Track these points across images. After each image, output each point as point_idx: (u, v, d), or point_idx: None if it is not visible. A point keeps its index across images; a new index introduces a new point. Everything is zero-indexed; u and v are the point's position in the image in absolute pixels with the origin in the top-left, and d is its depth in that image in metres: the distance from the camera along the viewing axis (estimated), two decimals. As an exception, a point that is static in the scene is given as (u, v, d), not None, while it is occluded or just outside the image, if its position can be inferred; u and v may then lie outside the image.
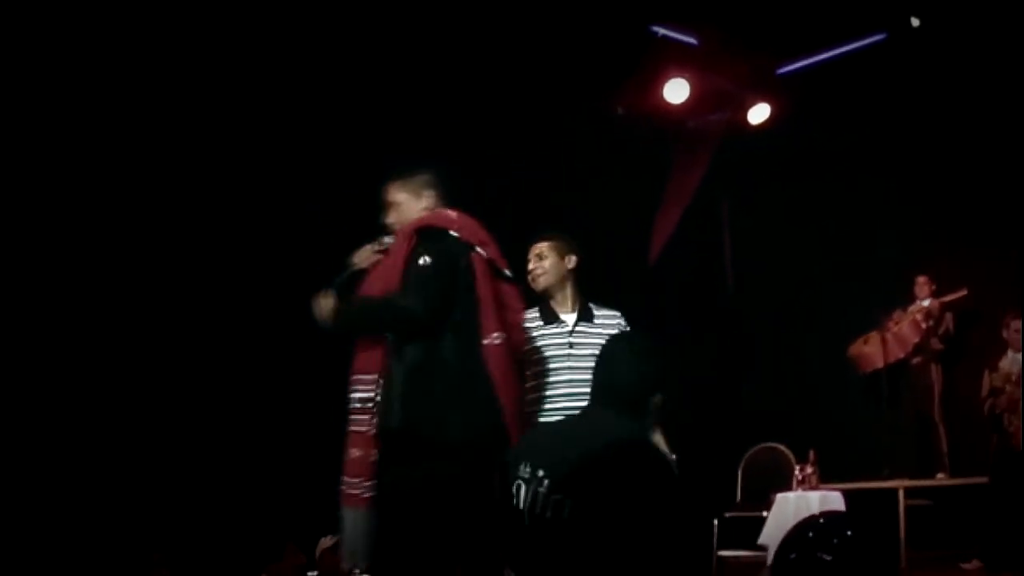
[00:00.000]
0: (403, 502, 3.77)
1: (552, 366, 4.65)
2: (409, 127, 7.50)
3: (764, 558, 6.40)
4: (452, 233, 3.98)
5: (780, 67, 8.25)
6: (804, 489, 6.65)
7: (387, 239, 4.14)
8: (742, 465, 7.54)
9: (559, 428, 3.65)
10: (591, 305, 4.83)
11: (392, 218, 4.16)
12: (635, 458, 3.07)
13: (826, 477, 6.80)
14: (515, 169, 8.01)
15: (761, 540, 6.50)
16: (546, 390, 4.68)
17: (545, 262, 4.78)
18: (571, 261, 4.83)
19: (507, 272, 4.08)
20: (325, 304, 4.02)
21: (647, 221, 8.86)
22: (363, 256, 4.15)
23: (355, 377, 4.03)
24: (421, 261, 3.89)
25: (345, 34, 7.18)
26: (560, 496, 2.98)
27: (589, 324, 4.68)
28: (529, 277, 4.75)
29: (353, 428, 3.98)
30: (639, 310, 5.47)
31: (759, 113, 8.33)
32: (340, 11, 7.04)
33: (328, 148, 7.41)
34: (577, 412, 3.72)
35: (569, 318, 4.74)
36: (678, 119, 8.67)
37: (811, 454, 6.74)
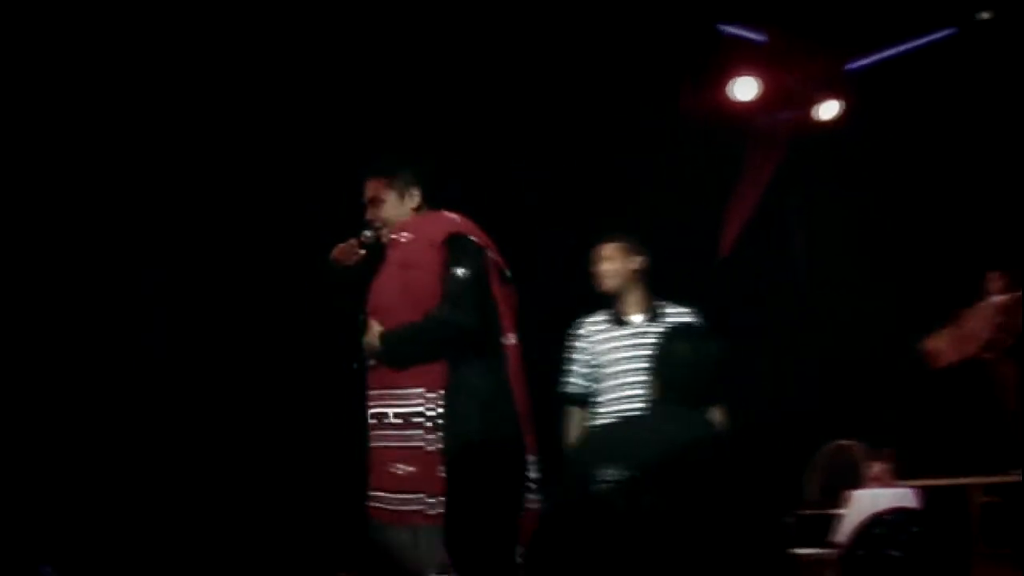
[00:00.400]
0: (481, 508, 3.74)
1: (620, 368, 4.69)
2: (472, 121, 7.62)
3: (837, 556, 6.41)
4: (472, 239, 3.97)
5: (849, 63, 8.24)
6: (878, 486, 6.65)
7: (368, 233, 4.09)
8: (815, 462, 7.53)
9: (631, 428, 3.61)
10: (662, 304, 4.87)
11: (373, 215, 4.11)
12: (724, 454, 3.13)
13: (900, 474, 6.79)
14: (585, 168, 8.10)
15: (835, 538, 6.51)
16: (614, 392, 4.72)
17: (611, 264, 4.83)
18: (637, 262, 4.86)
19: (508, 272, 4.09)
20: (372, 331, 3.93)
21: (717, 218, 8.87)
22: (344, 252, 4.10)
23: (386, 391, 3.96)
24: (460, 273, 3.86)
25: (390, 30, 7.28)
26: (654, 494, 2.98)
27: (657, 324, 4.71)
28: (595, 279, 4.79)
29: (393, 445, 3.90)
30: (710, 305, 5.52)
31: (828, 110, 8.31)
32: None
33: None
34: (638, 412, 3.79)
35: (637, 319, 4.78)
36: (747, 117, 8.68)
37: (884, 451, 6.75)
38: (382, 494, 3.92)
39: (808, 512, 7.06)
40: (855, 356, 8.54)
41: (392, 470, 3.88)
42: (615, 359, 4.84)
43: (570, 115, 7.83)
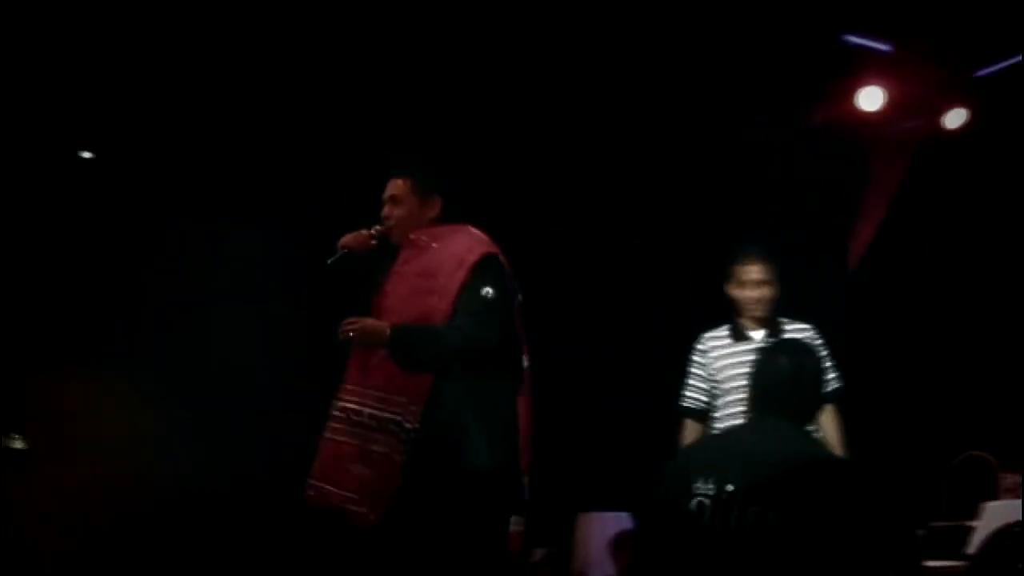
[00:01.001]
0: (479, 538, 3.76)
1: (737, 384, 4.69)
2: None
3: (972, 568, 6.36)
4: (501, 260, 3.96)
5: (977, 70, 8.15)
6: (1011, 498, 6.57)
7: (379, 228, 4.06)
8: (948, 474, 7.46)
9: (729, 440, 3.65)
10: (783, 320, 4.88)
11: (393, 213, 4.08)
12: (830, 467, 3.13)
13: (1035, 486, 6.69)
14: (713, 182, 8.15)
15: (969, 550, 6.45)
16: (731, 408, 4.74)
17: (768, 289, 4.84)
18: (776, 287, 4.89)
19: (521, 297, 4.08)
20: (371, 328, 3.84)
21: (845, 230, 8.83)
22: (357, 240, 4.03)
23: (368, 391, 3.91)
24: (486, 292, 3.82)
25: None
26: (759, 508, 3.01)
27: (777, 339, 4.74)
28: (752, 304, 4.79)
29: (359, 444, 3.85)
30: (839, 317, 5.54)
31: (956, 118, 8.22)
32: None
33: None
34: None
35: (757, 335, 4.80)
36: (874, 127, 8.63)
37: (1019, 463, 6.66)
38: (327, 487, 3.88)
39: (941, 524, 7.01)
40: (989, 367, 8.45)
41: (348, 467, 3.83)
42: (733, 375, 4.86)
43: (700, 129, 7.90)
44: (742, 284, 4.97)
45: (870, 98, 8.22)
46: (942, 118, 8.28)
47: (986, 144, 8.08)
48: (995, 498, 6.64)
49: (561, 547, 8.03)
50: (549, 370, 9.67)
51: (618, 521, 8.17)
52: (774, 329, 4.94)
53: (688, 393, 5.23)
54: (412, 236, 4.04)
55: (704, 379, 5.14)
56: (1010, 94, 7.88)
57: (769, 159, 8.31)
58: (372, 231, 4.05)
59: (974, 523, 6.59)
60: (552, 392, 9.69)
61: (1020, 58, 7.79)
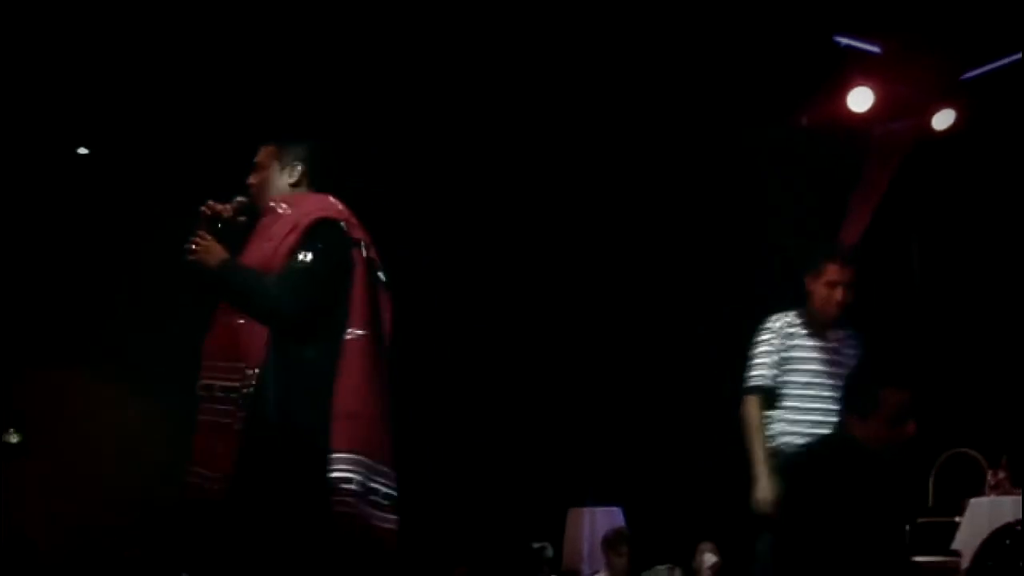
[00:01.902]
0: (282, 507, 3.59)
1: (809, 374, 4.91)
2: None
3: (957, 563, 6.43)
4: (342, 225, 3.81)
5: (966, 72, 8.21)
6: (997, 494, 6.65)
7: (241, 199, 3.98)
8: (934, 470, 7.54)
9: (849, 455, 3.91)
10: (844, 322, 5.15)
11: (254, 180, 4.02)
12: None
13: (1018, 482, 6.77)
14: (703, 182, 8.22)
15: (954, 546, 6.53)
16: (804, 400, 4.94)
17: (850, 294, 5.08)
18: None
19: (381, 275, 3.90)
20: (214, 250, 3.76)
21: (834, 230, 8.90)
22: (215, 208, 3.91)
23: (218, 363, 3.79)
24: (301, 256, 3.70)
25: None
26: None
27: (846, 337, 5.00)
28: (835, 304, 4.99)
29: (213, 419, 3.74)
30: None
31: (944, 119, 8.27)
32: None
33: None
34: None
35: (831, 334, 5.05)
36: (863, 128, 8.70)
37: (1003, 459, 6.74)
38: (204, 472, 3.77)
39: (927, 520, 7.09)
40: (977, 364, 8.52)
41: (213, 447, 3.74)
42: (804, 366, 5.10)
43: (691, 129, 7.98)
44: (833, 284, 5.20)
45: (859, 99, 8.27)
46: (930, 119, 8.33)
47: (974, 145, 8.15)
48: (981, 495, 6.72)
49: (552, 542, 8.09)
50: (538, 364, 9.95)
51: (609, 516, 8.25)
52: (842, 325, 5.21)
53: (759, 372, 5.38)
54: (271, 202, 3.96)
55: (775, 359, 5.31)
56: (998, 95, 7.96)
57: (759, 159, 8.39)
58: (232, 204, 3.94)
59: (960, 519, 6.70)
60: (541, 387, 9.96)
61: (1008, 60, 7.87)
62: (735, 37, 7.64)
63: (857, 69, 8.23)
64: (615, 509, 8.36)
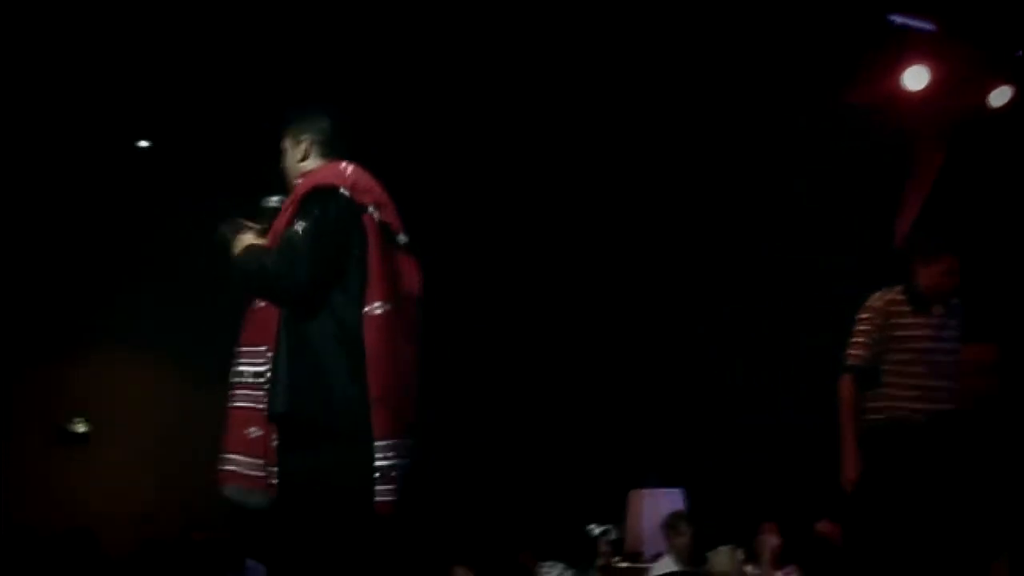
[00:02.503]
0: (301, 491, 3.55)
1: (916, 351, 4.94)
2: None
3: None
4: (343, 192, 3.65)
5: (1022, 48, 8.17)
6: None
7: (275, 199, 3.91)
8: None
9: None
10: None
11: (282, 166, 3.99)
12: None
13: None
14: (756, 163, 8.23)
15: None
16: (912, 377, 4.96)
17: (957, 278, 5.14)
18: None
19: (401, 237, 3.75)
20: (242, 239, 3.73)
21: (891, 210, 8.89)
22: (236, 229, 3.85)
23: (244, 348, 3.74)
24: (297, 227, 3.57)
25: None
26: None
27: (951, 315, 5.04)
28: (947, 291, 5.05)
29: (247, 405, 3.69)
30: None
31: (1000, 96, 8.23)
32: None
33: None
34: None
35: (937, 307, 5.10)
36: (918, 106, 8.67)
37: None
38: (237, 457, 3.71)
39: None
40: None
41: (245, 433, 3.68)
42: (914, 345, 5.11)
43: (744, 110, 7.99)
44: (949, 273, 5.28)
45: (915, 77, 8.24)
46: (987, 96, 8.28)
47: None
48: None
49: (614, 524, 8.11)
50: (595, 350, 9.99)
51: (670, 497, 8.27)
52: (952, 305, 5.27)
53: (857, 351, 5.41)
54: (293, 183, 3.89)
55: (876, 338, 5.34)
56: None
57: (814, 139, 8.40)
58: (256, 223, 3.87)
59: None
60: (603, 371, 9.99)
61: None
62: (789, 17, 7.63)
63: (911, 47, 8.21)
64: (676, 491, 8.37)
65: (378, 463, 3.49)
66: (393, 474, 3.52)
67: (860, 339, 5.41)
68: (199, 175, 9.55)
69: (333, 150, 3.90)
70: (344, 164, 3.78)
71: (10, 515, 8.84)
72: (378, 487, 3.49)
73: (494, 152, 9.05)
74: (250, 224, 3.84)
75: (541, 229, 10.03)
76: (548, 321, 10.27)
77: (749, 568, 7.16)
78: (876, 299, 5.48)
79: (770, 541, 7.27)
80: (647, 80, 8.22)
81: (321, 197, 3.62)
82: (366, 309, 3.54)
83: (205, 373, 9.90)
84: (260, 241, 3.75)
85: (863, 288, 6.03)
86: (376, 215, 3.65)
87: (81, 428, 9.97)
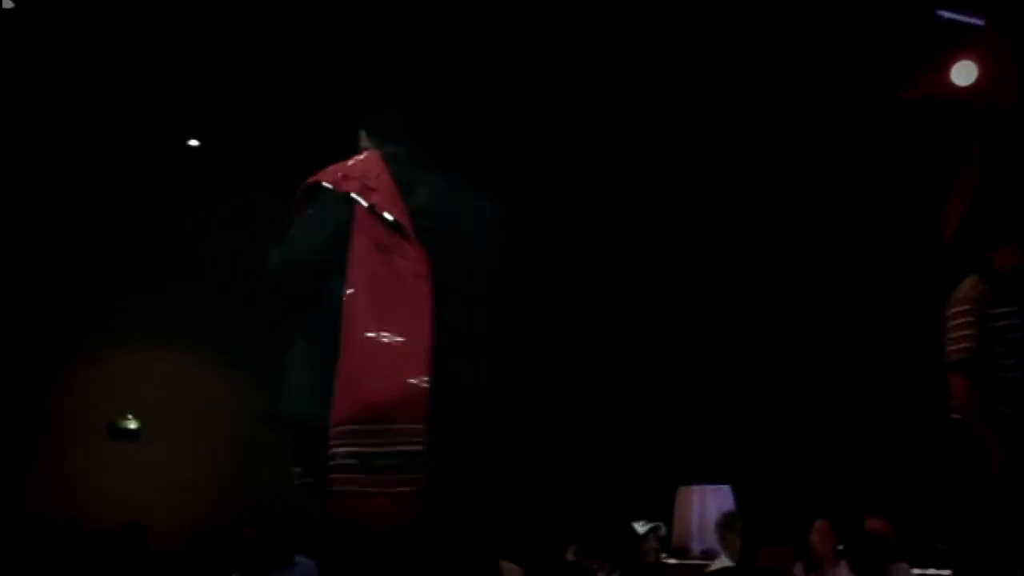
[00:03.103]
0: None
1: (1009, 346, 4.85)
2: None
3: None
4: (326, 185, 3.61)
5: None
6: None
7: None
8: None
9: None
10: None
11: None
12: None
13: None
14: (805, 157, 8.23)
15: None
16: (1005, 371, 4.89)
17: None
18: None
19: (389, 216, 3.56)
20: None
21: (940, 204, 8.87)
22: None
23: None
24: (294, 228, 3.60)
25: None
26: None
27: None
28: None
29: None
30: (933, 289, 5.62)
31: (1046, 91, 8.19)
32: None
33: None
34: None
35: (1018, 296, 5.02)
36: (966, 101, 8.63)
37: None
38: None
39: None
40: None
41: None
42: (1012, 335, 4.98)
43: (794, 105, 7.98)
44: None
45: (964, 72, 8.21)
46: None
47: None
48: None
49: (663, 520, 8.12)
50: (642, 351, 10.00)
51: (718, 494, 8.27)
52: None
53: (966, 344, 5.07)
54: None
55: (980, 329, 5.04)
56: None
57: (863, 133, 8.38)
58: None
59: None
60: (651, 370, 10.01)
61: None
62: (838, 13, 7.62)
63: (960, 43, 8.18)
64: (724, 487, 8.37)
65: (333, 450, 3.32)
66: (344, 462, 3.31)
67: (961, 331, 5.06)
68: (241, 173, 9.65)
69: (381, 136, 3.86)
70: (354, 157, 3.75)
71: (62, 510, 8.94)
72: (335, 476, 3.31)
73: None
74: None
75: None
76: (595, 321, 10.32)
77: (798, 568, 7.13)
78: (966, 289, 5.20)
79: (822, 541, 7.22)
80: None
81: (311, 195, 3.62)
82: (344, 294, 3.45)
83: (257, 372, 10.04)
84: None
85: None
86: (363, 200, 3.55)
87: (132, 424, 10.09)
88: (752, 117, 8.45)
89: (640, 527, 7.76)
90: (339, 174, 3.61)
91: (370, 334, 3.39)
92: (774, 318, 9.33)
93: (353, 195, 3.53)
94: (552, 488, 9.84)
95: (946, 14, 8.03)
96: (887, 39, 7.85)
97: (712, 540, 7.75)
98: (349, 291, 3.42)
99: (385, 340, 3.39)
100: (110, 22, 7.52)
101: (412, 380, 3.36)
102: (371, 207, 3.52)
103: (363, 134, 3.90)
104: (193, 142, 9.34)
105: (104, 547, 8.14)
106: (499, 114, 8.39)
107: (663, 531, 7.95)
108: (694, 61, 7.95)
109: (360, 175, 3.61)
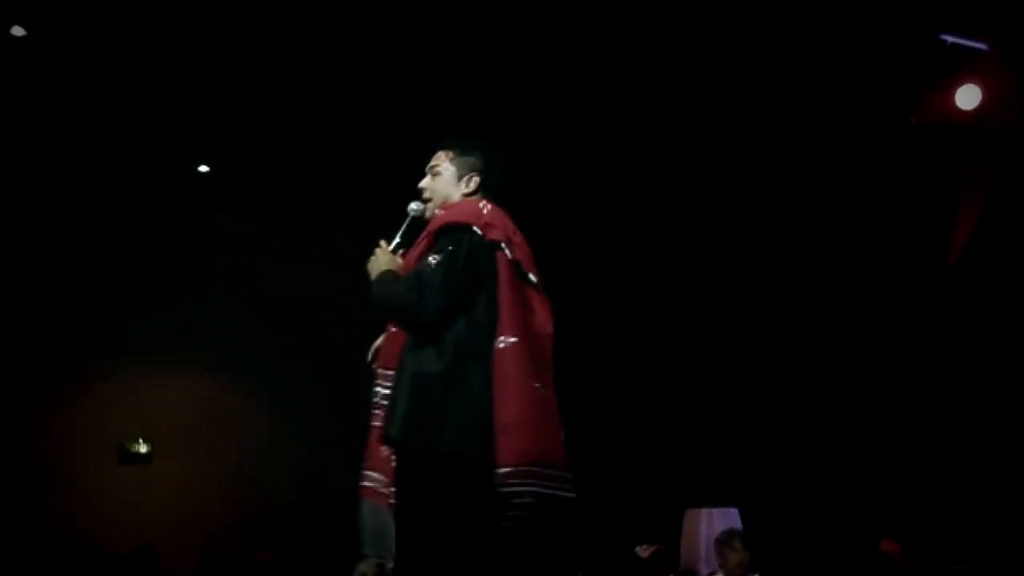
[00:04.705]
0: (411, 513, 3.61)
1: None
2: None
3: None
4: (476, 230, 3.72)
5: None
6: None
7: (415, 206, 3.99)
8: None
9: None
10: None
11: (427, 184, 4.01)
12: None
13: None
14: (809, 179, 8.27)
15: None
16: None
17: None
18: None
19: (532, 277, 3.81)
20: (379, 261, 3.83)
21: (945, 226, 8.90)
22: (386, 259, 3.90)
23: (379, 370, 3.88)
24: (430, 259, 3.66)
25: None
26: None
27: None
28: None
29: (380, 424, 3.79)
30: (937, 310, 5.66)
31: (1052, 114, 8.22)
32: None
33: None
34: None
35: None
36: (970, 124, 8.67)
37: None
38: (373, 474, 3.86)
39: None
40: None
41: (381, 451, 3.81)
42: None
43: (799, 127, 8.04)
44: None
45: (968, 96, 8.26)
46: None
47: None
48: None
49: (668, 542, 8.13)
50: (654, 370, 10.02)
51: (726, 516, 8.29)
52: None
53: None
54: (438, 209, 3.96)
55: None
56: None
57: (868, 157, 8.44)
58: (391, 245, 3.94)
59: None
60: (658, 390, 10.03)
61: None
62: (842, 37, 7.68)
63: (964, 66, 8.23)
64: (732, 510, 8.39)
65: (503, 489, 3.52)
66: (524, 501, 3.53)
67: None
68: (256, 193, 9.70)
69: (488, 188, 4.00)
70: (483, 202, 3.88)
71: (74, 533, 8.98)
72: (505, 513, 3.51)
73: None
74: (386, 245, 3.92)
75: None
76: (608, 340, 10.36)
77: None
78: None
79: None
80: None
81: (455, 234, 3.72)
82: (498, 341, 3.63)
83: (268, 394, 10.09)
84: (395, 263, 3.86)
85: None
86: (508, 252, 3.75)
87: (143, 448, 10.13)
88: (752, 118, 8.49)
89: (643, 551, 7.77)
90: (482, 221, 3.75)
91: (536, 384, 3.65)
92: (774, 318, 9.38)
93: (502, 245, 3.74)
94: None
95: (951, 39, 8.08)
96: (890, 60, 7.90)
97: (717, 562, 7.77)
98: (512, 339, 3.63)
99: (542, 392, 3.68)
100: (123, 44, 7.59)
101: (560, 433, 3.71)
102: (516, 262, 3.75)
103: (477, 175, 3.98)
104: (203, 168, 9.39)
105: (116, 570, 8.17)
106: (499, 114, 8.42)
107: (665, 554, 7.96)
108: (694, 62, 7.99)
109: (501, 225, 3.78)
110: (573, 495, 3.67)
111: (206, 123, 8.69)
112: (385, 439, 3.72)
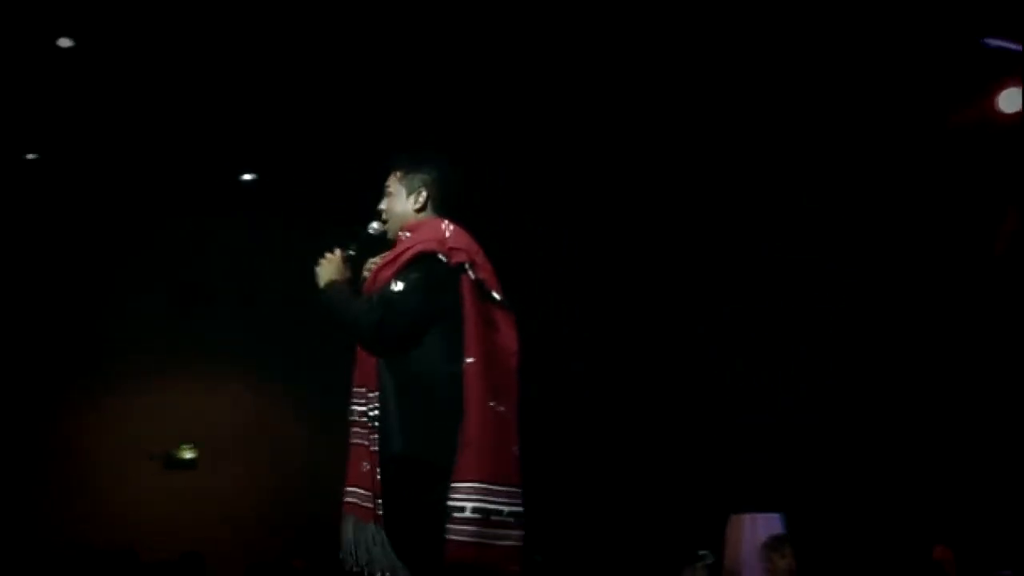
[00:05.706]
0: (422, 526, 3.67)
1: None
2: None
3: None
4: (441, 258, 3.80)
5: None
6: None
7: (375, 225, 4.07)
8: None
9: None
10: None
11: (383, 205, 4.10)
12: None
13: None
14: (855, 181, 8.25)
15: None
16: None
17: None
18: None
19: (496, 295, 3.90)
20: (328, 269, 3.94)
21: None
22: (334, 267, 3.99)
23: (353, 388, 3.96)
24: (395, 286, 3.75)
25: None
26: None
27: None
28: None
29: (358, 442, 3.91)
30: (978, 308, 5.63)
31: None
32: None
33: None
34: None
35: None
36: (1011, 127, 8.63)
37: None
38: (355, 490, 3.93)
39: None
40: None
41: (361, 467, 3.90)
42: None
43: (842, 130, 8.02)
44: None
45: (1010, 100, 8.23)
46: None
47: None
48: None
49: (713, 549, 8.09)
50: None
51: (769, 522, 8.24)
52: None
53: None
54: (399, 231, 4.04)
55: None
56: None
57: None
58: (345, 251, 4.05)
59: None
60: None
61: None
62: (884, 40, 7.66)
63: (1006, 70, 8.19)
64: (775, 516, 8.34)
65: (451, 503, 3.63)
66: (467, 515, 3.62)
67: None
68: (302, 203, 9.75)
69: (444, 205, 4.08)
70: (445, 223, 3.95)
71: (119, 540, 9.05)
72: (450, 526, 3.62)
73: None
74: (333, 255, 4.01)
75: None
76: (648, 347, 10.35)
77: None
78: None
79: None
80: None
81: (423, 264, 3.79)
82: (464, 361, 3.72)
83: (310, 402, 10.14)
84: (344, 273, 3.96)
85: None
86: (472, 274, 3.82)
87: (189, 455, 10.21)
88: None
89: (690, 558, 7.75)
90: (446, 246, 3.82)
91: (491, 403, 3.73)
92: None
93: (466, 267, 3.81)
94: (605, 518, 9.85)
95: (993, 42, 8.05)
96: (934, 66, 7.88)
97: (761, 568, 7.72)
98: (470, 360, 3.73)
99: (501, 411, 3.77)
100: (168, 55, 7.66)
101: (514, 448, 3.79)
102: (480, 282, 3.82)
103: (426, 190, 4.05)
104: (247, 176, 9.45)
105: (160, 576, 8.25)
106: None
107: (710, 559, 7.92)
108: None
109: (465, 247, 3.86)
110: (520, 508, 3.75)
111: (254, 134, 8.76)
112: (385, 455, 3.82)
